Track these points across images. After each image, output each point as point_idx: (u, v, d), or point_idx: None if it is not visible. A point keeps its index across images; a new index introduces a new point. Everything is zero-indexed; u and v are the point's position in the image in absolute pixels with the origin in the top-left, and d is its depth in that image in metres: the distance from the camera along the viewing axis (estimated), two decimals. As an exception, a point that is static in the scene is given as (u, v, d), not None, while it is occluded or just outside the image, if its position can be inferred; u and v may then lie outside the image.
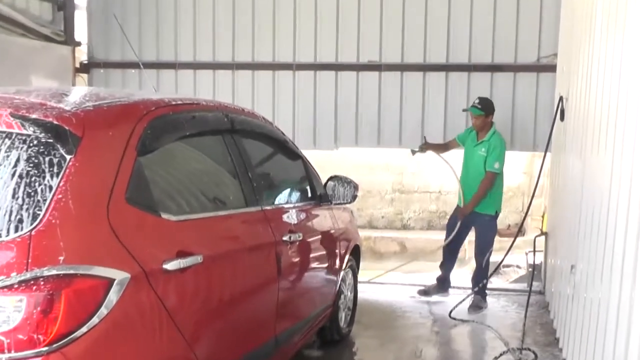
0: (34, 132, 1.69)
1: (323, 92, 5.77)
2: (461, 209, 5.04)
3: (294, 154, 3.37)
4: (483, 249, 4.96)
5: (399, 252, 8.26)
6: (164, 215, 1.93)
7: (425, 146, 5.41)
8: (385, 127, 5.74)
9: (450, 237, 5.09)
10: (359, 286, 4.46)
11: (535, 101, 5.44)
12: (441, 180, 8.73)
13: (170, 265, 1.85)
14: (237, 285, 2.29)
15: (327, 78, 5.73)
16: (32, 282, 1.52)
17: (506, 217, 8.81)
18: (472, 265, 5.35)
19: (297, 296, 3.00)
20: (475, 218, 5.00)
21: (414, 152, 5.51)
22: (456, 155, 5.27)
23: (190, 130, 2.28)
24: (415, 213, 9.14)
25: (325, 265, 3.45)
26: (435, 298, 5.25)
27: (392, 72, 5.62)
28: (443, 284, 5.30)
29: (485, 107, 4.96)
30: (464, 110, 5.24)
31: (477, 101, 4.99)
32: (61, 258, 1.56)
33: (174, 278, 1.88)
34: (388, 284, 5.79)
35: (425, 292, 5.33)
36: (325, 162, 8.68)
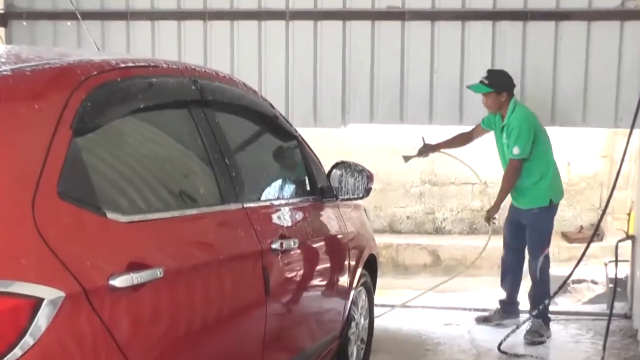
0: None
1: (326, 50, 5.78)
2: (487, 210, 5.28)
3: (286, 134, 3.39)
4: (534, 253, 5.03)
5: (430, 264, 8.29)
6: (111, 215, 1.94)
7: (425, 148, 5.53)
8: (410, 98, 5.75)
9: (485, 245, 5.23)
10: (376, 310, 4.49)
11: (617, 60, 5.41)
12: (487, 167, 8.76)
13: (119, 281, 1.86)
14: (209, 309, 2.31)
15: (331, 30, 5.74)
16: None
17: (577, 216, 8.81)
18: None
19: (292, 324, 3.02)
20: (523, 215, 5.08)
21: (407, 159, 5.65)
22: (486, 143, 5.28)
23: (145, 102, 2.30)
24: (452, 212, 9.15)
25: (330, 282, 3.47)
26: (478, 327, 5.28)
27: (420, 21, 5.63)
28: (509, 308, 5.34)
29: (494, 82, 5.04)
30: (468, 87, 5.26)
31: (484, 76, 5.07)
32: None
33: (125, 298, 1.89)
34: (414, 307, 5.83)
35: (485, 319, 5.38)
36: (329, 145, 8.79)
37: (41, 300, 1.65)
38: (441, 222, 9.13)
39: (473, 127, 5.47)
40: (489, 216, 5.28)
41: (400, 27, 5.64)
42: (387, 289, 6.64)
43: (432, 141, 5.67)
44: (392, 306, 5.69)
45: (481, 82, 5.09)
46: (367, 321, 4.20)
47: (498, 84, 5.04)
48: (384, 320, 5.31)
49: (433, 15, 5.59)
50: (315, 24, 5.74)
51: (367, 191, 3.59)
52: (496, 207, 5.19)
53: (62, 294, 1.69)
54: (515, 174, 5.02)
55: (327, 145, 8.45)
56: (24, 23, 5.96)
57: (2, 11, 5.95)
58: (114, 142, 2.21)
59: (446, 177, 9.06)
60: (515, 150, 4.97)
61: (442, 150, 5.66)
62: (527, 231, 5.10)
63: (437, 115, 5.73)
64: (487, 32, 5.56)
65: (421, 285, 7.37)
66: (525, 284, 5.29)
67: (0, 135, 1.75)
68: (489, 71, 5.17)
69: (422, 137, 5.63)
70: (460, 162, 5.74)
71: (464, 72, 5.65)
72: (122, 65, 2.25)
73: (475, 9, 5.55)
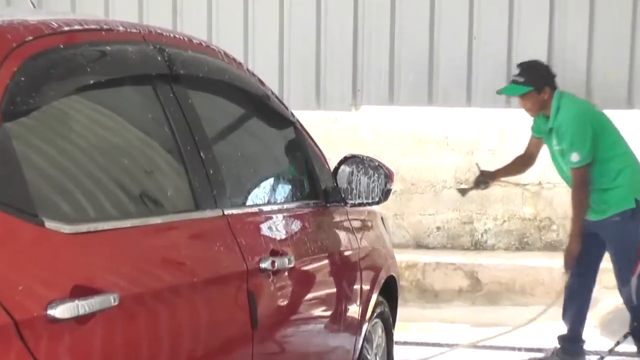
0: None
1: (333, 11, 5.80)
2: (566, 249, 5.19)
3: (280, 120, 3.40)
4: (624, 275, 4.98)
5: (468, 289, 8.28)
6: (50, 224, 1.94)
7: (483, 177, 5.59)
8: (442, 72, 5.77)
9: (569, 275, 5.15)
10: (398, 349, 4.47)
11: None
12: (542, 164, 8.73)
13: (60, 311, 1.85)
14: (179, 347, 2.31)
15: (339, -16, 5.76)
16: None
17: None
18: (602, 311, 5.39)
19: (286, 368, 3.03)
20: (600, 227, 5.04)
21: (464, 193, 5.67)
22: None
23: (96, 77, 2.30)
24: (497, 221, 9.13)
25: (336, 313, 3.48)
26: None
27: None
28: (572, 347, 5.33)
29: (532, 79, 5.02)
30: (499, 93, 5.25)
31: (516, 72, 5.07)
32: None
33: (67, 332, 1.89)
34: (439, 345, 5.80)
35: None
36: (336, 134, 8.79)
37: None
38: (482, 234, 9.12)
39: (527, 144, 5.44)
40: (571, 256, 5.12)
41: (430, -19, 5.68)
42: (411, 322, 6.64)
43: (489, 168, 5.66)
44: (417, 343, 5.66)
45: (514, 81, 5.08)
46: (384, 364, 4.21)
47: (537, 80, 5.01)
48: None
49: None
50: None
51: (385, 194, 3.59)
52: (576, 240, 5.07)
53: (-15, 326, 1.70)
54: (584, 186, 4.98)
55: (333, 134, 8.46)
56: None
57: None
58: (56, 129, 2.21)
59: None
60: (575, 158, 4.95)
61: (502, 179, 5.69)
62: (608, 247, 5.07)
63: (478, 95, 5.74)
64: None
65: (457, 316, 7.37)
66: (594, 316, 5.29)
67: None
68: (521, 65, 5.13)
69: (477, 164, 5.71)
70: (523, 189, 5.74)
71: (512, 39, 5.65)
72: (66, 28, 2.25)
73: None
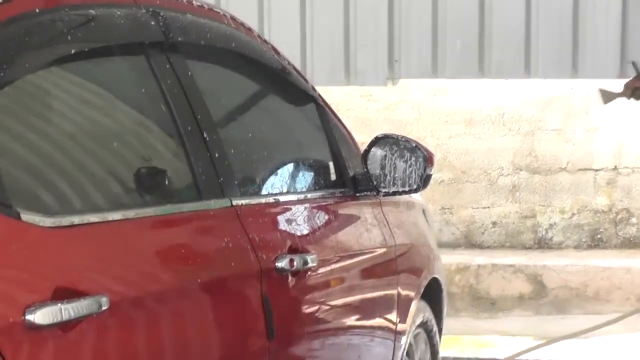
0: None
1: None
2: None
3: (300, 95, 3.41)
4: None
5: (531, 296, 8.25)
6: (27, 216, 1.97)
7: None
8: (495, 38, 5.75)
9: None
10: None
11: None
12: (618, 142, 8.68)
13: (40, 316, 1.87)
14: (180, 359, 2.33)
15: None
16: None
17: None
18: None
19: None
20: None
21: (608, 97, 5.15)
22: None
23: (80, 46, 2.33)
24: (564, 215, 9.09)
25: (368, 321, 3.50)
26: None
27: None
28: None
29: None
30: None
31: None
32: None
33: (49, 341, 1.92)
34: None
35: None
36: (370, 113, 8.77)
37: None
38: (546, 230, 9.08)
39: None
40: None
41: None
42: (463, 335, 6.65)
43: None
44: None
45: None
46: (429, 383, 4.23)
47: None
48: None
49: None
50: None
51: (425, 180, 3.58)
52: None
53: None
54: None
55: (367, 113, 8.47)
56: None
57: None
58: (32, 108, 2.24)
59: (554, 160, 9.00)
60: None
61: None
62: None
63: (538, 64, 5.73)
64: None
65: (517, 328, 7.33)
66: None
67: None
68: None
69: (633, 63, 5.34)
70: None
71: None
72: (43, -11, 2.28)
73: None
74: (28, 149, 2.18)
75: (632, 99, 5.16)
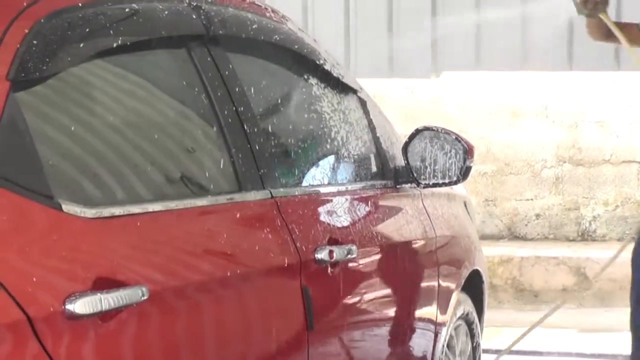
0: None
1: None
2: None
3: (342, 89, 3.42)
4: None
5: (574, 288, 8.20)
6: (69, 207, 1.98)
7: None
8: (537, 30, 5.70)
9: None
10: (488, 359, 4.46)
11: None
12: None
13: (80, 306, 1.88)
14: (219, 351, 2.34)
15: None
16: None
17: None
18: None
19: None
20: None
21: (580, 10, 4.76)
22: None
23: (122, 39, 2.33)
24: (608, 207, 9.02)
25: (408, 313, 3.50)
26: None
27: None
28: None
29: None
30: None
31: None
32: None
33: (89, 330, 1.93)
34: (539, 354, 5.75)
35: None
36: (413, 106, 8.75)
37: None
38: (590, 222, 9.02)
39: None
40: None
41: None
42: (505, 327, 6.61)
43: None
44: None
45: None
46: (470, 375, 4.22)
47: None
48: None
49: None
50: None
51: (464, 172, 3.57)
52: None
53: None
54: None
55: (410, 106, 8.44)
56: None
57: None
58: (74, 100, 2.25)
59: (597, 152, 8.95)
60: None
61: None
62: None
63: (581, 55, 5.68)
64: None
65: (560, 321, 7.28)
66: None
67: None
68: None
69: None
70: None
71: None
72: (85, -17, 2.29)
73: None
74: (70, 141, 2.19)
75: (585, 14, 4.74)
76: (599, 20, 4.64)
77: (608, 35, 4.75)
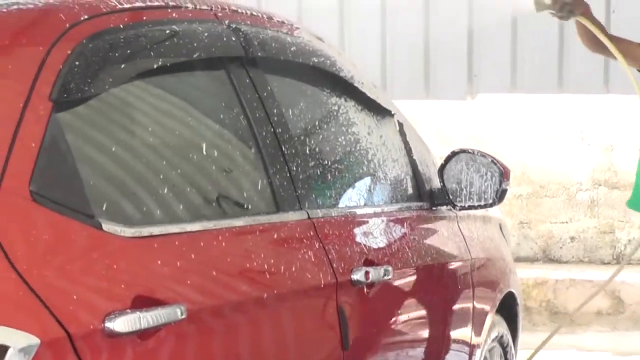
0: None
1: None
2: None
3: (378, 111, 3.43)
4: None
5: (609, 311, 8.13)
6: (109, 226, 2.00)
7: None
8: (573, 53, 5.68)
9: None
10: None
11: None
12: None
13: (119, 324, 1.90)
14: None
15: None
16: None
17: None
18: None
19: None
20: None
21: (540, 6, 4.56)
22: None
23: (162, 61, 2.36)
24: (644, 230, 8.96)
25: (442, 334, 3.48)
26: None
27: None
28: None
29: None
30: None
31: None
32: None
33: (128, 348, 1.94)
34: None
35: None
36: (448, 128, 8.73)
37: (5, 349, 1.70)
38: (625, 245, 8.95)
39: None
40: None
41: None
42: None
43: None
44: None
45: None
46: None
47: None
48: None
49: None
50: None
51: (500, 195, 3.56)
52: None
53: (36, 340, 1.74)
54: None
55: (445, 128, 8.42)
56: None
57: None
58: (115, 120, 2.28)
59: (633, 176, 8.84)
60: None
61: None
62: None
63: (617, 79, 5.64)
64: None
65: (595, 344, 7.23)
66: None
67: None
68: None
69: None
70: None
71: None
72: (127, 5, 2.32)
73: None
74: (110, 161, 2.21)
75: (558, 16, 4.57)
76: (583, 26, 4.55)
77: (600, 46, 4.66)
